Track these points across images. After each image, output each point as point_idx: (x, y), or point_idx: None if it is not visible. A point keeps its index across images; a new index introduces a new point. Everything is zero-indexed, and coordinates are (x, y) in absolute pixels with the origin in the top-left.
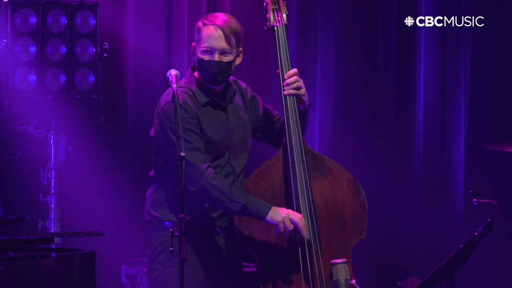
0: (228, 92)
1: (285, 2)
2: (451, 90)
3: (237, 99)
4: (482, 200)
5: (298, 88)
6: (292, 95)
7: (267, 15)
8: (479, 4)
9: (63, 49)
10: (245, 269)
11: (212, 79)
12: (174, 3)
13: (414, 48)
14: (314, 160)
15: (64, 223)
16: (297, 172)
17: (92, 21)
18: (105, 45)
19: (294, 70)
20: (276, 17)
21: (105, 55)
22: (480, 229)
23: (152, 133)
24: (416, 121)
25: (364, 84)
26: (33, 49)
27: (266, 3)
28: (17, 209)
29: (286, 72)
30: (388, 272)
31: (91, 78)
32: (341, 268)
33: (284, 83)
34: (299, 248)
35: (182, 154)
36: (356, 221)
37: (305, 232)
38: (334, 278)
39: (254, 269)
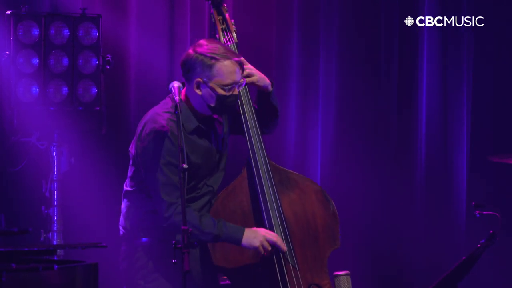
0: (212, 116)
1: (232, 20)
2: (453, 100)
3: (219, 118)
4: (484, 212)
5: (248, 76)
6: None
7: (217, 35)
8: (479, 4)
9: (65, 61)
10: (222, 282)
11: (231, 111)
12: (176, 15)
13: (416, 54)
14: (279, 175)
15: (66, 235)
16: (265, 189)
17: (95, 33)
18: (107, 57)
19: (241, 58)
20: (226, 37)
21: (108, 67)
22: (483, 241)
23: (132, 150)
24: (419, 131)
25: (366, 92)
26: (35, 61)
27: (214, 23)
28: (20, 221)
29: (242, 90)
30: (390, 283)
31: (94, 90)
32: (344, 280)
33: None
34: (276, 265)
35: (185, 166)
36: (328, 232)
37: (285, 247)
38: None
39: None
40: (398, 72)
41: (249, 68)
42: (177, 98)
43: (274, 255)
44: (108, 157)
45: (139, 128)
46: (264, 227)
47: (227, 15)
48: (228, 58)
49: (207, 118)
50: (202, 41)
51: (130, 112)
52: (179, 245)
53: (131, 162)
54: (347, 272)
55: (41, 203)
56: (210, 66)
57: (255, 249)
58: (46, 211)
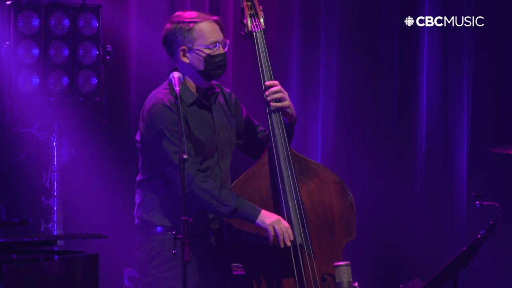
0: (211, 92)
1: (261, 7)
2: (454, 92)
3: (221, 100)
4: (485, 203)
5: (280, 100)
6: (277, 107)
7: (244, 21)
8: (479, 4)
9: (66, 52)
10: (235, 272)
11: (221, 72)
12: (177, 5)
13: (417, 51)
14: (300, 163)
15: (66, 225)
16: (284, 176)
17: (95, 24)
18: (108, 47)
19: (276, 82)
20: (254, 22)
21: (108, 57)
22: (483, 231)
23: (137, 137)
24: (419, 123)
25: (367, 88)
26: (36, 51)
27: (242, 8)
28: (20, 211)
29: (267, 77)
30: (391, 274)
31: (94, 80)
32: (344, 270)
33: (267, 92)
34: (292, 253)
35: (185, 156)
36: (344, 222)
37: (289, 241)
38: (336, 281)
39: (244, 272)
40: (399, 65)
41: (284, 93)
42: (177, 88)
43: (290, 243)
44: (108, 148)
45: (141, 112)
46: (282, 214)
47: (256, 0)
48: (206, 19)
49: (205, 93)
50: (177, 13)
51: (130, 102)
52: (179, 235)
53: (139, 150)
54: (347, 262)
55: (42, 193)
56: (190, 30)
57: (266, 227)
58: (46, 202)
